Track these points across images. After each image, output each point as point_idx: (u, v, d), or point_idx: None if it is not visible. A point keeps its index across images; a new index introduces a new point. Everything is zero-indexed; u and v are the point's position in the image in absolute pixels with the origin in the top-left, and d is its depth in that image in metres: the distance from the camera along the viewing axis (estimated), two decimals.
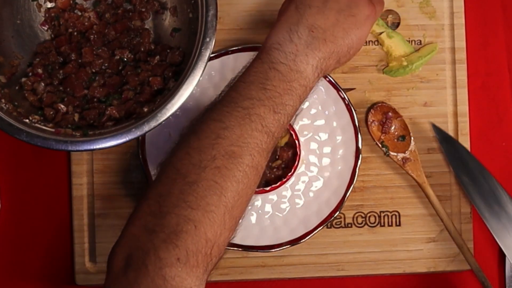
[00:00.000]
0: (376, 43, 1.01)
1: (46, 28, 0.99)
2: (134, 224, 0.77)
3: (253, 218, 0.99)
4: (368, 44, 1.01)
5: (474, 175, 0.98)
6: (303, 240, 0.99)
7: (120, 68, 0.97)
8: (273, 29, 0.85)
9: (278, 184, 0.96)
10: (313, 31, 0.83)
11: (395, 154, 1.00)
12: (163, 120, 0.88)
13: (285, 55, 0.82)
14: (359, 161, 0.99)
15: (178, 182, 0.77)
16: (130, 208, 0.96)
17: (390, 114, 1.00)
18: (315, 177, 1.00)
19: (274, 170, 0.98)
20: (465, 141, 1.01)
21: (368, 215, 1.01)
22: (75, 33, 0.97)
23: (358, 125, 0.99)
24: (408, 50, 1.00)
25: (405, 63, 0.99)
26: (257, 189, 0.94)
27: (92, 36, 0.97)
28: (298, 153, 0.96)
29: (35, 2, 0.98)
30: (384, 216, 1.01)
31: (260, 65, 0.82)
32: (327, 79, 0.99)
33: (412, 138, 1.00)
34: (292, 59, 0.82)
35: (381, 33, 1.00)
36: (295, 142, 0.96)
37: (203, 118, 0.81)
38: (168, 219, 0.75)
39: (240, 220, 0.81)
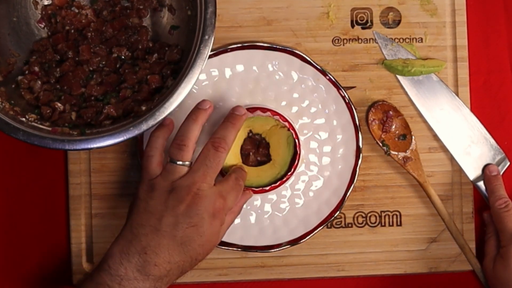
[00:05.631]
0: (376, 41, 1.00)
1: (42, 26, 0.98)
2: None
3: (252, 218, 0.99)
4: (368, 42, 1.00)
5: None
6: (303, 240, 0.98)
7: (117, 66, 0.96)
8: (112, 245, 0.85)
9: (277, 183, 0.95)
10: (146, 253, 0.84)
11: (396, 153, 1.00)
12: (162, 119, 0.88)
13: (112, 277, 0.83)
14: (360, 160, 0.98)
15: None
16: (127, 208, 0.96)
17: (390, 112, 1.00)
18: (315, 177, 0.99)
19: None
20: None
21: (369, 215, 1.01)
22: (72, 31, 0.97)
23: (359, 124, 0.98)
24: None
25: (406, 63, 0.98)
26: (256, 189, 0.94)
27: (89, 34, 0.96)
28: (298, 152, 0.95)
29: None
30: (385, 216, 1.01)
31: (89, 283, 0.84)
32: (327, 77, 0.98)
33: (413, 137, 1.00)
34: (118, 283, 0.83)
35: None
36: (295, 141, 0.95)
37: None
38: None
39: None
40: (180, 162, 0.87)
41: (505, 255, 0.95)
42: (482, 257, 1.00)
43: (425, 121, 1.00)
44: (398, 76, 1.00)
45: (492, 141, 1.00)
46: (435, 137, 1.01)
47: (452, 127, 1.00)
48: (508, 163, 1.00)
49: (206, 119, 0.89)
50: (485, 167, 1.00)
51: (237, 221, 0.98)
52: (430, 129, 1.01)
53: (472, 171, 1.00)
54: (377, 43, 1.00)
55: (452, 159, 1.01)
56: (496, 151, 1.00)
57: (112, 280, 0.83)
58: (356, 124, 0.98)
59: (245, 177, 0.93)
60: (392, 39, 1.00)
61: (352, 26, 1.01)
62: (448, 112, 1.00)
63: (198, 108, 0.89)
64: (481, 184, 1.00)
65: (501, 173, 1.00)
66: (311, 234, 0.99)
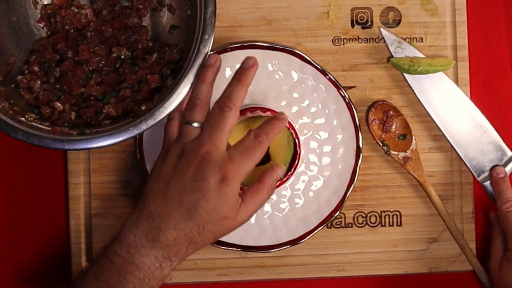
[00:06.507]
0: (376, 40, 1.00)
1: (42, 25, 0.98)
2: None
3: (252, 218, 0.98)
4: (369, 41, 1.00)
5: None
6: (303, 240, 0.98)
7: (117, 65, 0.96)
8: (127, 217, 0.84)
9: (277, 183, 0.95)
10: (154, 219, 0.82)
11: (396, 153, 0.99)
12: (161, 119, 0.87)
13: (121, 245, 0.82)
14: (360, 160, 0.98)
15: None
16: (127, 207, 0.96)
17: (391, 112, 0.99)
18: (315, 177, 0.99)
19: None
20: None
21: (369, 215, 1.01)
22: (72, 31, 0.97)
23: (359, 123, 0.98)
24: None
25: (412, 62, 0.98)
26: None
27: (89, 34, 0.96)
28: (298, 152, 0.95)
29: None
30: (385, 216, 1.00)
31: (102, 253, 0.83)
32: (327, 77, 0.98)
33: (413, 137, 0.99)
34: (126, 251, 0.82)
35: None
36: (294, 140, 0.95)
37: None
38: None
39: None
40: (195, 124, 0.85)
41: None
42: (484, 258, 1.00)
43: (426, 121, 1.00)
44: (405, 74, 1.00)
45: (500, 141, 1.00)
46: (436, 137, 1.01)
47: (460, 126, 0.99)
48: None
49: (216, 74, 0.87)
50: (492, 168, 0.99)
51: None
52: (430, 129, 1.00)
53: (479, 171, 1.00)
54: (384, 41, 1.00)
55: (452, 159, 1.01)
56: (503, 152, 1.00)
57: (121, 248, 0.82)
58: (356, 124, 0.98)
59: (274, 129, 0.86)
60: (400, 37, 1.00)
61: (352, 25, 1.01)
62: (456, 111, 0.99)
63: (204, 66, 0.87)
64: (487, 184, 0.99)
65: (508, 174, 0.99)
66: (311, 234, 0.98)
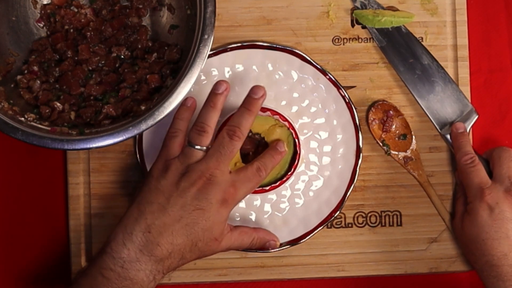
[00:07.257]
0: None
1: (42, 25, 0.98)
2: None
3: (252, 218, 0.98)
4: (369, 41, 1.00)
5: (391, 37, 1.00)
6: (303, 240, 0.98)
7: (117, 65, 0.96)
8: (115, 227, 0.86)
9: (277, 183, 0.95)
10: (150, 232, 0.84)
11: (396, 153, 0.99)
12: (161, 119, 0.87)
13: (114, 260, 0.83)
14: (360, 160, 0.98)
15: None
16: (127, 207, 0.95)
17: (391, 112, 0.99)
18: (315, 176, 0.99)
19: None
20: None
21: (369, 215, 1.00)
22: (71, 30, 0.97)
23: (359, 123, 0.98)
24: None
25: (376, 13, 0.98)
26: (256, 189, 0.94)
27: (88, 33, 0.96)
28: (298, 152, 0.95)
29: None
30: (385, 216, 1.00)
31: (93, 268, 0.83)
32: (327, 76, 0.98)
33: (413, 136, 0.99)
34: (120, 266, 0.83)
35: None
36: (294, 140, 0.95)
37: None
38: None
39: None
40: (198, 147, 0.88)
41: (472, 211, 0.94)
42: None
43: (426, 121, 1.00)
44: (369, 28, 0.99)
45: (461, 94, 0.99)
46: (436, 137, 1.00)
47: (422, 78, 0.99)
48: (477, 116, 0.99)
49: (224, 101, 0.90)
50: (452, 124, 0.99)
51: (237, 220, 0.98)
52: (430, 128, 1.00)
53: (442, 124, 0.99)
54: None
55: (452, 159, 1.00)
56: (464, 104, 0.99)
57: (115, 263, 0.83)
58: (356, 123, 0.98)
59: (273, 162, 0.91)
60: None
61: (352, 25, 1.01)
62: (418, 64, 0.99)
63: (214, 93, 0.90)
64: (449, 136, 0.99)
65: (470, 126, 0.99)
66: (311, 234, 0.98)
